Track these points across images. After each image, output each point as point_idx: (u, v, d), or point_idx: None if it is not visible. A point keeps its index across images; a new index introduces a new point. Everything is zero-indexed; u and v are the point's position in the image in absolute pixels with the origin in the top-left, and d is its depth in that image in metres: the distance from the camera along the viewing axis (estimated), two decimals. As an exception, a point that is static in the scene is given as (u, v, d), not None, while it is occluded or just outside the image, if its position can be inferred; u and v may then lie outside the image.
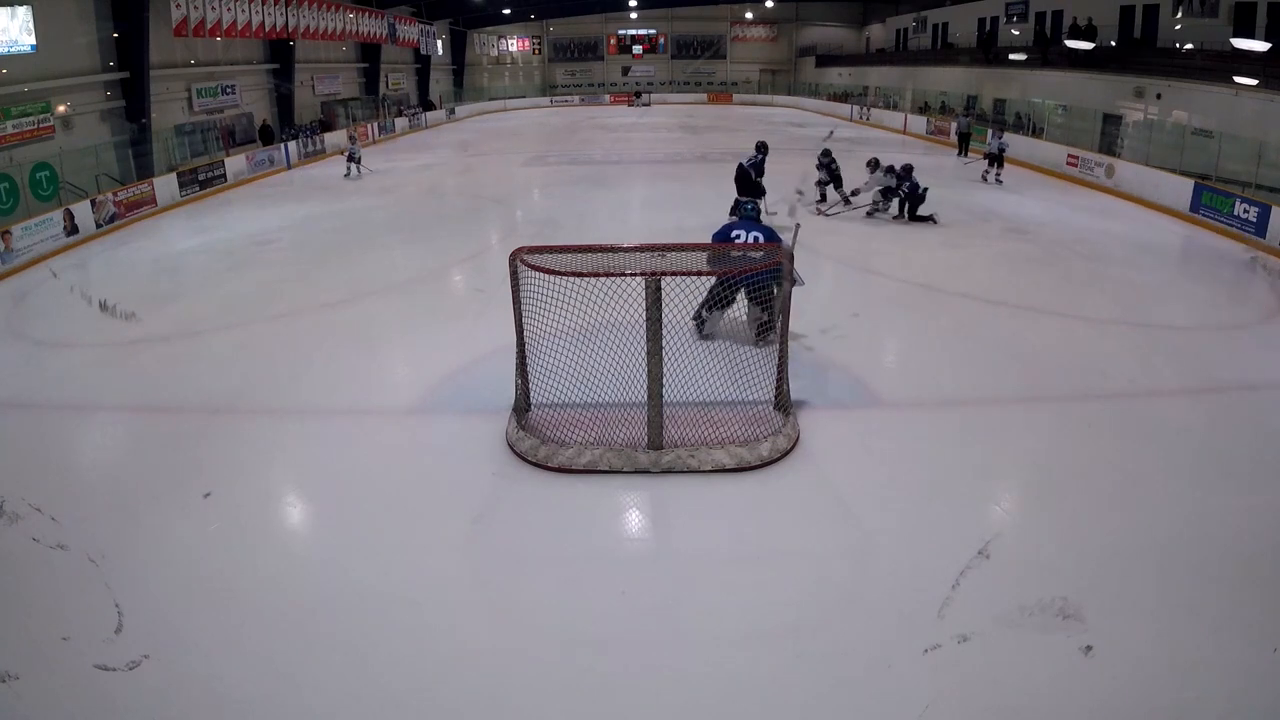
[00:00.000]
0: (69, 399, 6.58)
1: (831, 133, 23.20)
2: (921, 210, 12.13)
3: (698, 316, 6.65)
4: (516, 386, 5.60)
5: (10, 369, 7.27)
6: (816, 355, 6.83)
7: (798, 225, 7.96)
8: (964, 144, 20.08)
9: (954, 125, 21.35)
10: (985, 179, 15.98)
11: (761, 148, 12.31)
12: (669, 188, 15.92)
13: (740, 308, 6.88)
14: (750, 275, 6.07)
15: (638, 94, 42.63)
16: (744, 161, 12.28)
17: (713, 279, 6.17)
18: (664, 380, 5.06)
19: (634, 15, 42.96)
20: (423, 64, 34.48)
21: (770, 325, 6.56)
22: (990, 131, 17.08)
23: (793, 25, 44.11)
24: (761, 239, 6.73)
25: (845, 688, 3.42)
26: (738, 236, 6.81)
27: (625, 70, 45.64)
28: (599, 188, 16.03)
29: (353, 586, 4.08)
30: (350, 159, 18.45)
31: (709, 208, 13.04)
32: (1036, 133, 19.99)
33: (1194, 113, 16.05)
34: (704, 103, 42.05)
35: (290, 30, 22.12)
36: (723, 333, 6.73)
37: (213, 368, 7.05)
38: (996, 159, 16.03)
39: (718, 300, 6.43)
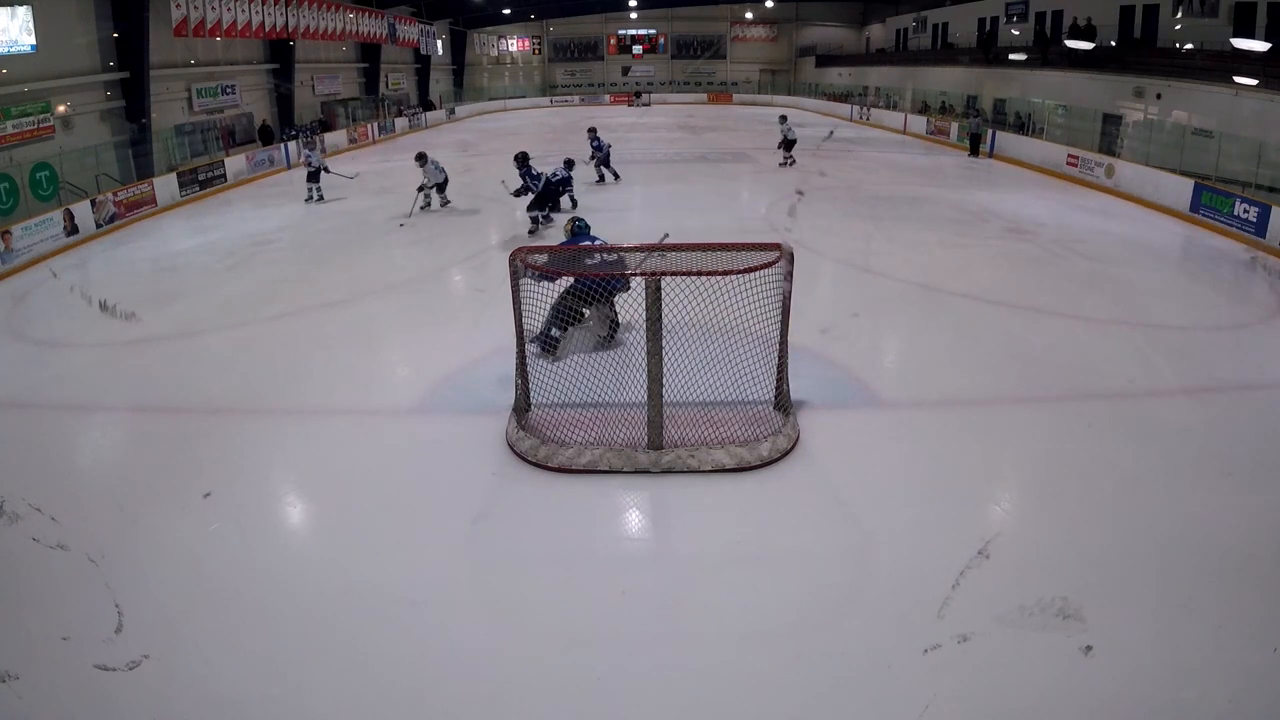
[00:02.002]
0: (69, 399, 6.58)
1: (831, 133, 23.21)
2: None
3: (546, 339, 6.35)
4: (516, 386, 5.60)
5: (10, 369, 7.26)
6: (816, 355, 6.83)
7: (666, 235, 7.91)
8: (975, 145, 20.14)
9: (966, 125, 21.29)
10: (786, 163, 17.84)
11: (520, 158, 12.18)
12: (669, 188, 15.92)
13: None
14: (601, 282, 6.06)
15: (638, 94, 42.61)
16: (549, 174, 12.43)
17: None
18: (664, 380, 5.06)
19: (634, 15, 42.92)
20: (423, 64, 34.47)
21: (617, 322, 6.74)
22: (783, 122, 18.50)
23: (793, 25, 44.09)
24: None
25: (845, 688, 3.42)
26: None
27: (625, 70, 45.62)
28: (598, 187, 16.01)
29: (353, 586, 4.08)
30: (312, 175, 14.72)
31: (709, 208, 13.06)
32: (1036, 133, 20.01)
33: (1194, 113, 16.04)
34: (704, 103, 42.04)
35: (290, 30, 22.11)
36: (576, 347, 6.57)
37: (213, 368, 7.05)
38: (790, 145, 18.10)
39: (567, 316, 6.27)
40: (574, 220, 7.31)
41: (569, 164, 13.33)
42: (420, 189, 13.23)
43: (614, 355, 5.77)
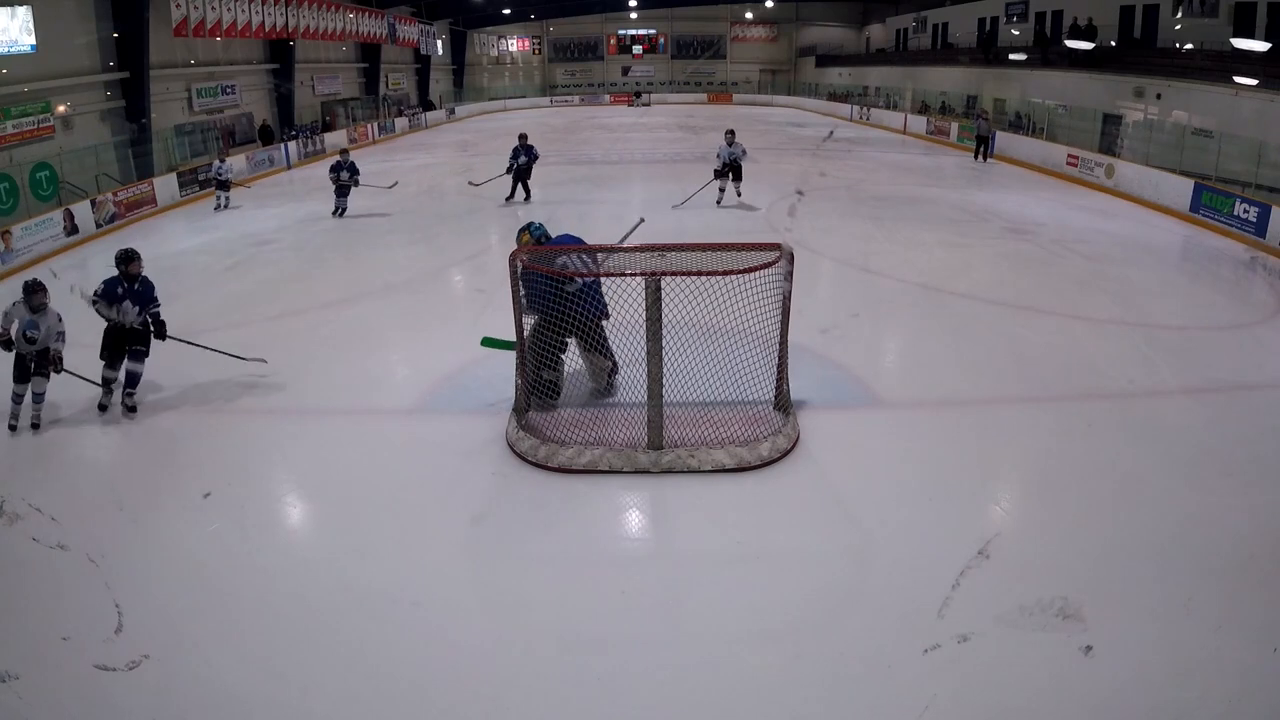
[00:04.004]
0: (69, 399, 6.57)
1: (831, 133, 23.22)
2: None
3: (541, 386, 5.62)
4: (516, 386, 5.59)
5: (10, 369, 7.24)
6: (816, 355, 6.83)
7: (641, 219, 7.02)
8: (981, 146, 19.71)
9: (970, 126, 20.98)
10: (720, 195, 13.11)
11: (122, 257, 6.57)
12: (669, 188, 15.90)
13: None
14: (575, 317, 5.35)
15: (637, 94, 42.62)
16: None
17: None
18: (664, 380, 5.06)
19: (634, 15, 42.96)
20: (423, 64, 34.48)
21: (616, 369, 5.81)
22: (731, 141, 12.94)
23: (793, 25, 44.11)
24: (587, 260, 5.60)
25: (845, 688, 3.42)
26: (565, 265, 5.54)
27: (625, 70, 45.64)
28: (599, 188, 16.03)
29: (353, 586, 4.08)
30: (220, 185, 15.01)
31: (710, 209, 13.05)
32: (1037, 133, 20.01)
33: (1194, 113, 16.05)
34: (704, 103, 42.05)
35: (290, 30, 22.12)
36: (571, 383, 5.96)
37: (213, 368, 7.04)
38: (734, 172, 12.99)
39: (549, 351, 5.51)
40: (529, 228, 6.11)
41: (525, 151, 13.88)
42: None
43: (614, 355, 5.76)
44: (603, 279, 5.50)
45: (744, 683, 3.44)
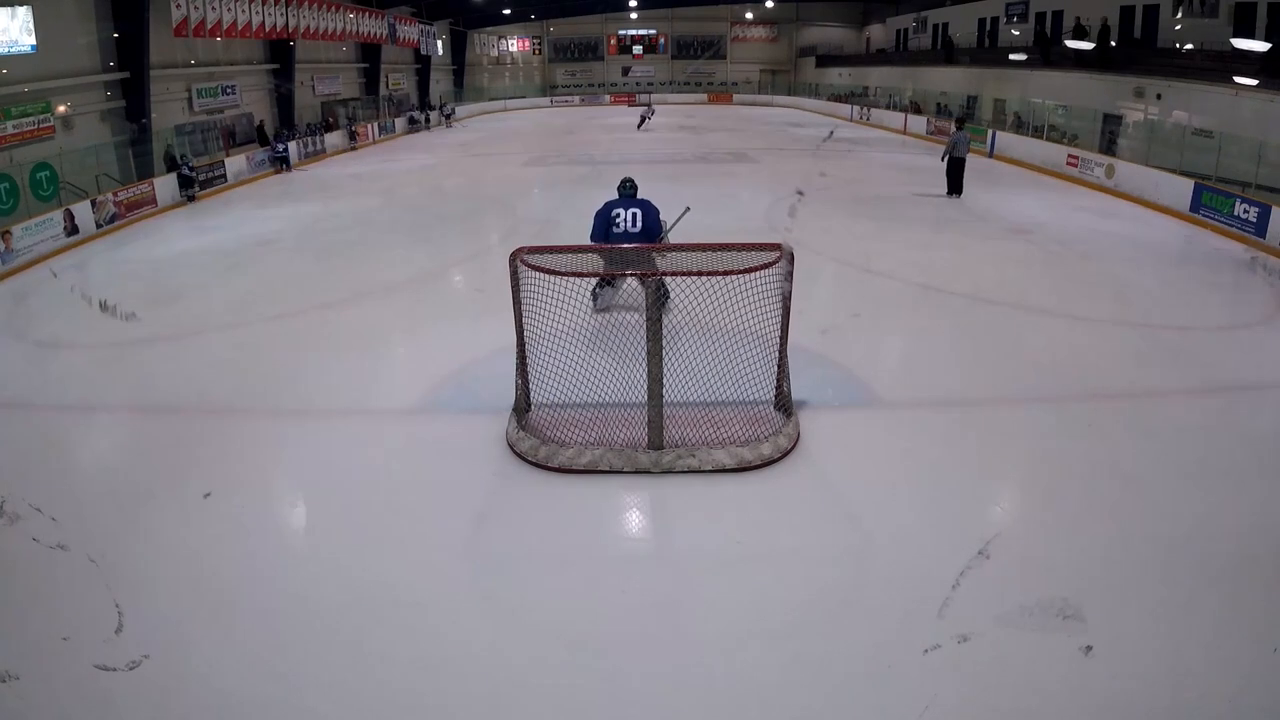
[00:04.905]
0: (69, 399, 6.57)
1: (831, 133, 23.26)
2: None
3: (594, 291, 7.09)
4: (517, 386, 5.60)
5: (10, 369, 7.26)
6: (816, 355, 6.83)
7: (687, 209, 7.46)
8: (955, 174, 14.12)
9: (950, 140, 14.40)
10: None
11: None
12: (669, 188, 15.89)
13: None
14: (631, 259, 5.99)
15: (648, 109, 41.08)
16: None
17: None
18: (664, 380, 5.06)
19: (634, 15, 42.93)
20: (423, 64, 34.47)
21: (665, 295, 5.95)
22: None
23: (793, 25, 44.11)
24: (639, 215, 7.00)
25: (845, 688, 3.42)
26: (618, 215, 7.00)
27: (625, 70, 45.61)
28: (599, 188, 15.98)
29: (353, 586, 4.08)
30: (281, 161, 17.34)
31: (710, 208, 13.06)
32: (1037, 133, 20.00)
33: (1194, 113, 16.04)
34: (704, 103, 42.06)
35: (290, 30, 22.10)
36: (620, 305, 6.96)
37: (213, 368, 7.05)
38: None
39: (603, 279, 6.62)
40: (622, 183, 7.35)
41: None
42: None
43: (614, 355, 5.75)
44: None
45: (744, 683, 3.44)
